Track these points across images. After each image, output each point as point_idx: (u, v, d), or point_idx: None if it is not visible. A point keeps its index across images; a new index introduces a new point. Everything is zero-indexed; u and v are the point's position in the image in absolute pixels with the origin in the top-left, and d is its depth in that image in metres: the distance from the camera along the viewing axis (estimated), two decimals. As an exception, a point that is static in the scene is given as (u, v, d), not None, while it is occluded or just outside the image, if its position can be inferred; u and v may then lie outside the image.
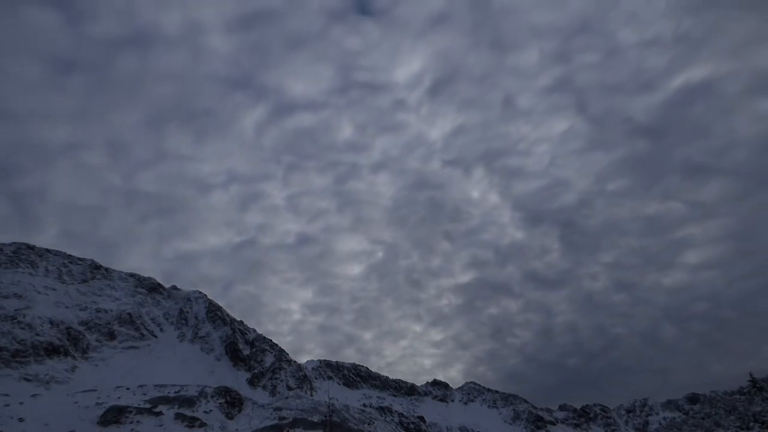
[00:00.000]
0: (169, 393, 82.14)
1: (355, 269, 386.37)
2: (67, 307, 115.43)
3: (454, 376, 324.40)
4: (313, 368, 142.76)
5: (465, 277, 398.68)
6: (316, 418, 78.89)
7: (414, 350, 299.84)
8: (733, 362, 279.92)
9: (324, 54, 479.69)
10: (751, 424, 55.57)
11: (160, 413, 72.78)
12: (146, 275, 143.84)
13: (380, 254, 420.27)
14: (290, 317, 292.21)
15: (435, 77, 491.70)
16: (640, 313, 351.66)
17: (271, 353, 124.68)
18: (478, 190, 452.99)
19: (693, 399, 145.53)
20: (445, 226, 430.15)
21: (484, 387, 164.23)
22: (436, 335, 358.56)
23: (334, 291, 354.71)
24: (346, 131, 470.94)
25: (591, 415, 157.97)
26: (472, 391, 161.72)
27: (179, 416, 73.48)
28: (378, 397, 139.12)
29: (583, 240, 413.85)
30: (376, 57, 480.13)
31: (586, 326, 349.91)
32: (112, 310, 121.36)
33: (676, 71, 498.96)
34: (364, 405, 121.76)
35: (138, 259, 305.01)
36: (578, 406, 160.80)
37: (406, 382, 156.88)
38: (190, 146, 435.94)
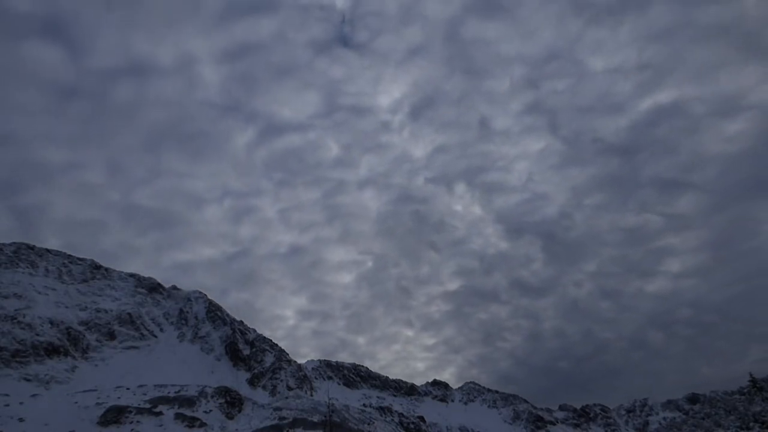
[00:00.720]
0: (169, 393, 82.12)
1: (346, 278, 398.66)
2: (67, 307, 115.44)
3: (447, 378, 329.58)
4: (313, 368, 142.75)
5: (453, 285, 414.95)
6: (316, 418, 78.87)
7: (407, 354, 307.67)
8: (721, 364, 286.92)
9: (310, 82, 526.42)
10: (751, 424, 55.54)
11: (160, 413, 72.78)
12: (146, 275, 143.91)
13: (370, 264, 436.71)
14: (285, 323, 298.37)
15: (414, 102, 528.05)
16: (626, 318, 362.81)
17: (271, 353, 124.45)
18: (461, 205, 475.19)
19: (693, 399, 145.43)
20: (431, 237, 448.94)
21: (484, 387, 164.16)
22: (428, 339, 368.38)
23: (326, 298, 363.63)
24: (332, 151, 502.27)
25: (591, 415, 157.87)
26: (472, 391, 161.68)
27: (179, 416, 73.47)
28: (378, 397, 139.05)
29: (565, 250, 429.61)
30: (360, 84, 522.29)
31: (574, 331, 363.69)
32: (112, 310, 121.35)
33: (643, 95, 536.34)
34: (364, 405, 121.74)
35: (136, 268, 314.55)
36: (578, 406, 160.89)
37: (406, 382, 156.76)
38: (185, 165, 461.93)
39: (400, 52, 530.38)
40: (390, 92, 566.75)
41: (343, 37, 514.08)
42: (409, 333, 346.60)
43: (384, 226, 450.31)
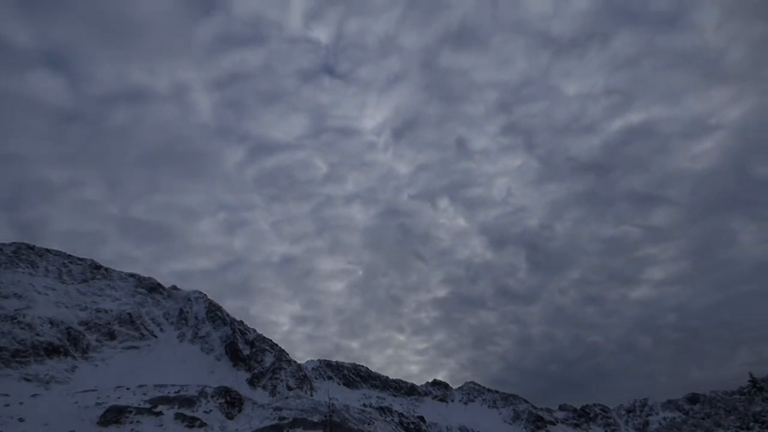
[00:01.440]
0: (169, 393, 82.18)
1: (338, 286, 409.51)
2: (67, 307, 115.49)
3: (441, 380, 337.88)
4: (313, 368, 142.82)
5: (441, 292, 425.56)
6: (316, 418, 78.87)
7: (399, 358, 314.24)
8: (712, 367, 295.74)
9: (298, 106, 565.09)
10: (751, 424, 55.53)
11: (160, 413, 72.80)
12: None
13: (360, 273, 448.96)
14: (280, 328, 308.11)
15: (397, 125, 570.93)
16: (612, 323, 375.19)
17: (271, 353, 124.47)
18: (446, 218, 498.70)
19: (693, 399, 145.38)
20: (418, 248, 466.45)
21: (484, 387, 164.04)
22: (420, 344, 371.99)
23: (319, 305, 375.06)
24: (321, 169, 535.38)
25: (591, 415, 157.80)
26: (472, 391, 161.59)
27: (179, 416, 73.48)
28: (378, 397, 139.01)
29: (548, 259, 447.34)
30: (345, 109, 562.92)
31: (562, 336, 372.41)
32: (112, 310, 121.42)
33: (613, 117, 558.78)
34: (364, 405, 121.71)
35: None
36: (578, 406, 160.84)
37: (406, 382, 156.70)
38: (180, 181, 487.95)
39: (381, 80, 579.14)
40: (374, 116, 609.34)
41: (328, 67, 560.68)
42: (401, 338, 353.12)
43: (372, 237, 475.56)
